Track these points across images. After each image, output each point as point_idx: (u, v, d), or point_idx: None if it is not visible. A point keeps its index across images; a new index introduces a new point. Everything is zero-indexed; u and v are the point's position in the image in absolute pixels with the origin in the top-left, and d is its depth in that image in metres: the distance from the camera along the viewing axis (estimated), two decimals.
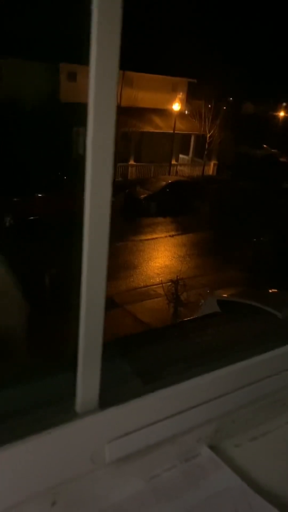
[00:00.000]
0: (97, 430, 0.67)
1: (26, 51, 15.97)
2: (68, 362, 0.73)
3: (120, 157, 18.48)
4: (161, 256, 12.67)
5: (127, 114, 17.27)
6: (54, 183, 13.95)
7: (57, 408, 0.67)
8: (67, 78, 18.07)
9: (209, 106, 21.77)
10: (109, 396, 0.70)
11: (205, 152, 22.28)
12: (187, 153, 23.23)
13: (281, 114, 28.99)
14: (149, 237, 13.84)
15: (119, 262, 11.53)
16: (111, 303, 9.51)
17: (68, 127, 14.97)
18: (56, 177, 14.20)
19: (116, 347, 0.98)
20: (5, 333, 1.14)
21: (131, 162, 20.32)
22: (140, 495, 0.70)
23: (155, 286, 10.48)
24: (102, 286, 0.63)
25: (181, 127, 21.53)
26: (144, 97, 19.52)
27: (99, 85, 0.53)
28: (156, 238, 13.85)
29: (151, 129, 20.68)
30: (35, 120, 15.31)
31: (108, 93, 0.54)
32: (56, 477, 0.65)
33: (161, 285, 10.00)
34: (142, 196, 15.64)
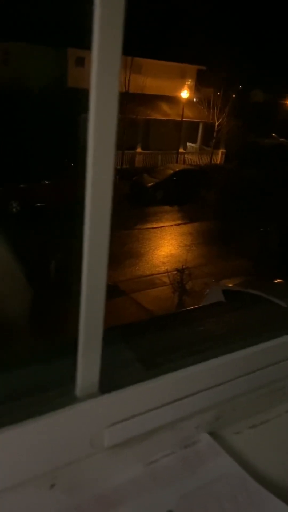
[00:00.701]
0: (96, 414, 0.67)
1: (34, 35, 15.83)
2: (69, 346, 0.73)
3: (127, 144, 18.37)
4: (167, 245, 12.66)
5: (135, 101, 17.12)
6: (61, 170, 13.91)
7: (57, 392, 0.67)
8: (75, 63, 17.91)
9: (218, 93, 21.53)
10: (110, 381, 0.70)
11: (213, 141, 22.10)
12: (195, 141, 23.06)
13: None
14: (155, 225, 13.81)
15: (125, 250, 11.53)
16: (116, 291, 9.53)
17: (75, 113, 14.89)
18: (63, 164, 14.16)
19: (118, 333, 0.98)
20: (6, 315, 1.14)
21: (139, 149, 20.19)
22: (138, 480, 0.70)
23: (160, 275, 10.49)
24: (103, 271, 0.62)
25: (189, 115, 21.34)
26: (153, 84, 19.33)
27: (102, 71, 0.52)
28: (163, 226, 13.82)
29: (159, 117, 20.52)
30: (42, 105, 15.23)
31: (111, 79, 0.53)
32: (55, 460, 0.66)
33: (166, 274, 10.00)
34: (149, 184, 15.58)
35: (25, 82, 15.77)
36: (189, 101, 21.56)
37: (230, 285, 6.56)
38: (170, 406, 0.74)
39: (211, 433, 0.80)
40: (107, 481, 0.68)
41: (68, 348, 0.74)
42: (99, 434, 0.68)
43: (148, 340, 0.97)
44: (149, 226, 13.82)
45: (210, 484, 0.72)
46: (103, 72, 0.52)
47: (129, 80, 16.49)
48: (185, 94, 20.90)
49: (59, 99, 15.61)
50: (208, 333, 1.03)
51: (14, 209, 12.86)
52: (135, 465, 0.71)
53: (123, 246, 11.89)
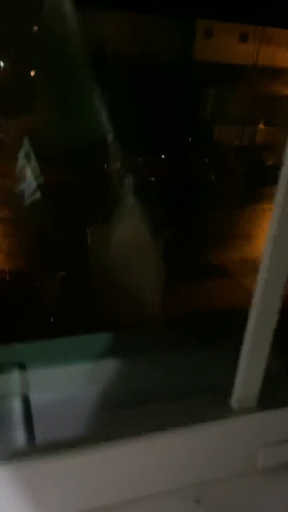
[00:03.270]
0: (253, 431, 0.59)
1: (162, 6, 15.67)
2: (224, 347, 0.65)
3: (249, 120, 17.55)
4: None
5: (262, 74, 16.17)
6: (179, 146, 13.81)
7: (211, 400, 0.60)
8: (203, 35, 17.42)
9: None
10: (268, 396, 0.61)
11: None
12: None
13: None
14: (271, 206, 13.14)
15: (237, 231, 11.17)
16: (223, 272, 9.31)
17: (199, 87, 14.55)
18: (182, 139, 14.03)
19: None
20: (144, 290, 1.10)
21: (261, 126, 19.20)
22: None
23: None
24: (283, 274, 0.52)
25: None
26: (285, 56, 18.03)
27: None
28: None
29: None
30: (167, 78, 15.14)
31: None
32: (203, 474, 0.59)
33: None
34: (269, 163, 14.79)
35: (152, 55, 15.78)
36: None
37: None
38: None
39: None
40: (257, 506, 0.60)
41: (222, 350, 0.66)
42: (253, 454, 0.60)
43: None
44: (265, 206, 13.20)
45: None
46: None
47: (258, 52, 15.58)
48: None
49: (184, 72, 15.37)
50: None
51: (130, 182, 13.15)
52: None
53: (235, 227, 11.56)
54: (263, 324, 0.53)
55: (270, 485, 0.61)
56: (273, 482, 0.61)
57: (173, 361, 0.74)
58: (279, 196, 0.49)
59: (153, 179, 13.44)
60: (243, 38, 16.64)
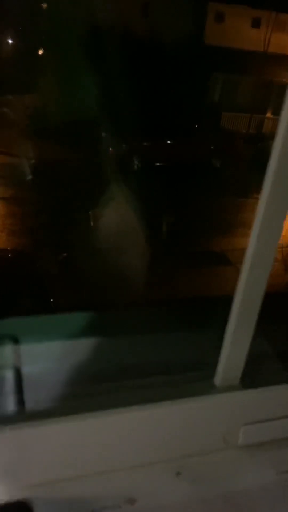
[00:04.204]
0: (235, 409, 0.61)
1: None
2: (210, 325, 0.66)
3: (257, 108, 17.36)
4: (286, 218, 11.93)
5: (273, 62, 15.94)
6: (185, 131, 13.68)
7: (196, 377, 0.62)
8: (214, 19, 17.13)
9: None
10: (251, 376, 0.62)
11: None
12: None
13: None
14: None
15: (238, 219, 11.13)
16: (223, 260, 9.30)
17: (208, 71, 14.36)
18: (188, 124, 13.91)
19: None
20: (126, 270, 1.12)
21: (269, 114, 19.00)
22: (269, 487, 0.63)
23: None
24: (272, 249, 0.54)
25: None
26: None
27: None
28: None
29: None
30: (175, 62, 14.94)
31: None
32: (185, 448, 0.61)
33: (280, 248, 9.50)
34: None
35: (162, 38, 15.54)
36: None
37: None
38: None
39: None
40: (235, 481, 0.62)
41: (208, 326, 0.68)
42: (234, 431, 0.62)
43: (285, 332, 0.87)
44: None
45: None
46: None
47: (269, 39, 15.32)
48: None
49: (193, 56, 15.15)
50: None
51: (135, 166, 13.06)
52: (268, 471, 0.64)
53: (237, 215, 11.50)
54: (248, 305, 0.55)
55: (248, 461, 0.64)
56: (251, 458, 0.64)
57: (164, 340, 0.75)
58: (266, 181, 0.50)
59: (158, 163, 13.34)
60: (255, 24, 16.37)
